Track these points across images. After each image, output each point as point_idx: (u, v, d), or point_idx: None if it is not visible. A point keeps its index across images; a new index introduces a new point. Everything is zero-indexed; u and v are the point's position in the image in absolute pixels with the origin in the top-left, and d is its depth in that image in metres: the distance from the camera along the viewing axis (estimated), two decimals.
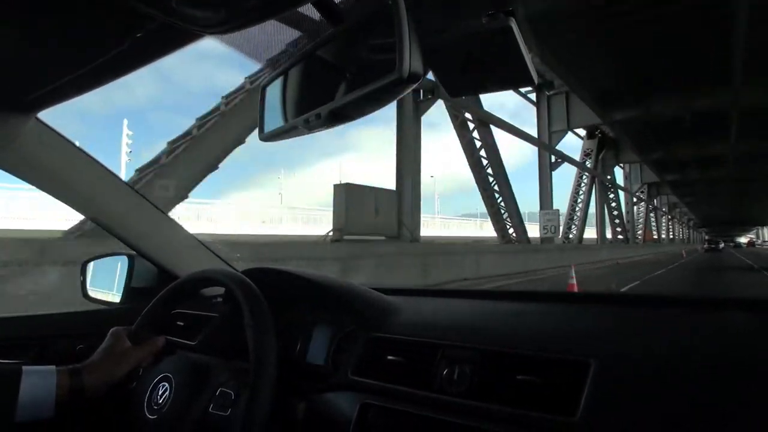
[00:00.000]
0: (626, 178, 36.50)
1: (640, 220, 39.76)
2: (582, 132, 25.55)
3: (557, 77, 17.68)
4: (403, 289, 1.22)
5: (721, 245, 50.15)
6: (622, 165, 33.37)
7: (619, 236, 30.06)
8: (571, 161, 24.77)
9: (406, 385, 0.83)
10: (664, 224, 55.82)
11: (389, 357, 0.88)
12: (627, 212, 33.12)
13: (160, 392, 0.97)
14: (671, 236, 62.20)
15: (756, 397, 0.59)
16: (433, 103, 12.11)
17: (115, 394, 1.02)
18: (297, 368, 1.02)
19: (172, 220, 1.32)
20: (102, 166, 1.18)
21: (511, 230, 15.65)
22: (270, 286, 1.01)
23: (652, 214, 45.60)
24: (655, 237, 47.52)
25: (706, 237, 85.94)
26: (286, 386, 0.92)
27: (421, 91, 11.93)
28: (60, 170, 1.11)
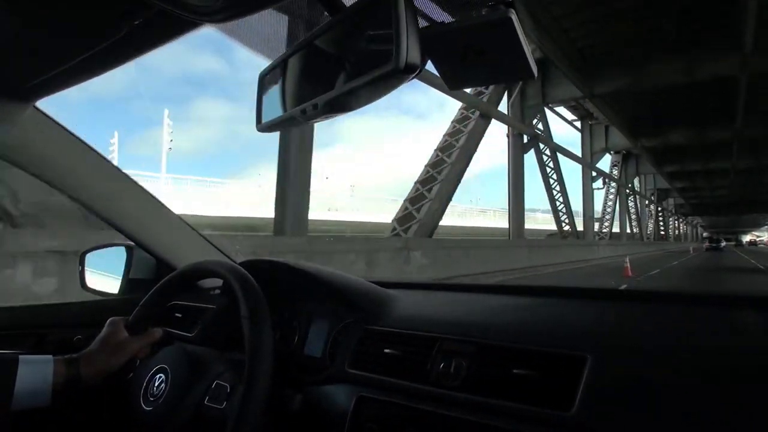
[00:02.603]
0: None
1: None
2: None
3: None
4: (400, 283, 1.22)
5: (723, 244, 49.95)
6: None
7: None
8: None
9: (402, 378, 0.83)
10: (671, 224, 61.33)
11: (386, 350, 0.89)
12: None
13: (156, 383, 0.97)
14: (677, 233, 68.88)
15: (748, 391, 0.59)
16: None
17: (112, 384, 1.02)
18: (294, 360, 1.02)
19: (170, 211, 1.32)
20: (100, 156, 1.17)
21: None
22: (268, 278, 1.01)
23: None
24: (663, 233, 52.44)
25: (705, 235, 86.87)
26: (282, 378, 0.92)
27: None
28: (58, 159, 1.11)
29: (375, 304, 1.01)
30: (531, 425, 0.67)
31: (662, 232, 48.35)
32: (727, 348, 0.68)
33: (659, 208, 47.83)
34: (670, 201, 54.43)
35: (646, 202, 41.61)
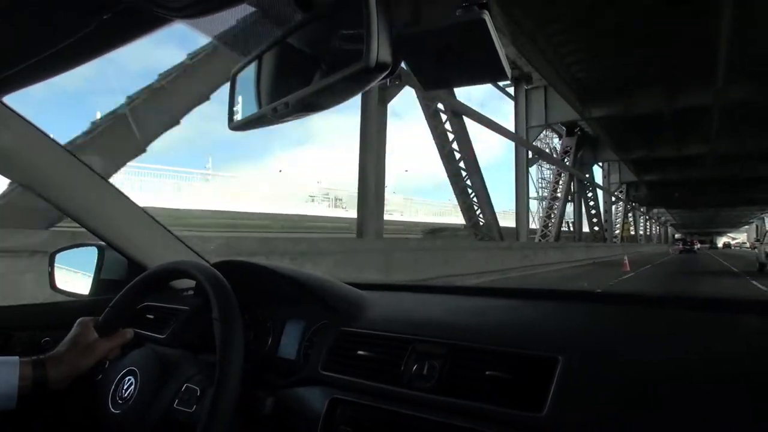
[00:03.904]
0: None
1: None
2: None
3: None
4: (375, 284, 1.22)
5: (697, 246, 50.42)
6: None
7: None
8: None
9: (375, 380, 0.82)
10: (641, 224, 55.96)
11: (359, 352, 0.88)
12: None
13: (125, 386, 0.95)
14: (648, 233, 63.09)
15: (720, 393, 0.60)
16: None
17: (80, 386, 1.00)
18: (267, 363, 1.01)
19: (142, 210, 1.29)
20: (70, 153, 1.15)
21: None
22: (242, 280, 1.00)
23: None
24: (632, 234, 48.01)
25: (677, 236, 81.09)
26: (255, 381, 0.91)
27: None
28: (26, 156, 1.08)
29: (350, 306, 1.00)
30: (502, 427, 0.68)
31: (617, 231, 39.46)
32: (698, 351, 0.69)
33: (627, 205, 42.38)
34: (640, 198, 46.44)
35: (612, 198, 36.28)
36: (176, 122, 7.74)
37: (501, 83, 19.57)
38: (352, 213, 14.32)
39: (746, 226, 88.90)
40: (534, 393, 0.68)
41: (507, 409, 0.68)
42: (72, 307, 1.33)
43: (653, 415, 0.60)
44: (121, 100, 7.49)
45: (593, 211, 30.19)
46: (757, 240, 19.44)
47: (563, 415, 0.64)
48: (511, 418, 0.68)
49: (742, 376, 0.61)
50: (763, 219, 67.66)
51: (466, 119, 14.52)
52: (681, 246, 47.91)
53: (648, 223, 62.69)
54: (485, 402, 0.70)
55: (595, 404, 0.64)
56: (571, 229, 28.25)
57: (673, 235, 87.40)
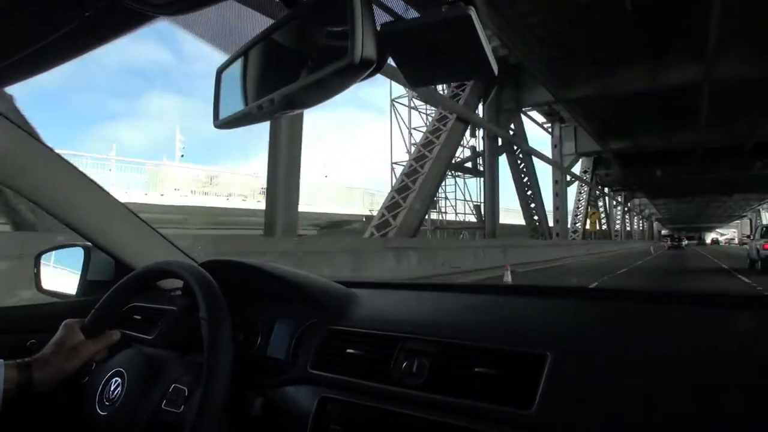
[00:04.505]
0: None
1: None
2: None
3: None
4: (364, 282, 1.22)
5: (684, 242, 50.43)
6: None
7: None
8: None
9: (364, 378, 0.82)
10: (618, 215, 44.59)
11: (349, 350, 0.88)
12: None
13: (112, 388, 0.94)
14: (629, 229, 53.00)
15: (708, 389, 0.60)
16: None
17: (66, 389, 0.99)
18: (257, 363, 1.00)
19: (128, 210, 1.28)
20: (53, 152, 1.13)
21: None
22: (230, 279, 0.99)
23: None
24: (605, 229, 37.15)
25: (664, 232, 78.44)
26: (243, 381, 0.91)
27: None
28: (9, 156, 1.06)
29: (339, 304, 1.00)
30: (492, 424, 0.68)
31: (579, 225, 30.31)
32: (688, 346, 0.69)
33: (594, 190, 32.26)
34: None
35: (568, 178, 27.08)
36: None
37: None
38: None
39: (738, 221, 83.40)
40: (523, 389, 0.68)
41: (496, 405, 0.68)
42: (58, 308, 1.32)
43: (642, 411, 0.60)
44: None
45: (529, 192, 21.62)
46: (748, 236, 18.63)
47: (552, 411, 0.65)
48: (500, 415, 0.68)
49: (730, 371, 0.61)
50: (759, 211, 60.60)
51: None
52: (669, 242, 47.67)
53: (628, 216, 52.18)
54: (475, 399, 0.70)
55: (584, 400, 0.64)
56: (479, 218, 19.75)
57: (659, 231, 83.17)
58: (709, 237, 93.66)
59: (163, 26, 0.62)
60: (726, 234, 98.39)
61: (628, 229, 53.45)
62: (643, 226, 69.08)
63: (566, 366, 0.68)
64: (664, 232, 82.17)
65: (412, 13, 0.54)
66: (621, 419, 0.61)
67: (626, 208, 48.88)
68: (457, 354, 0.77)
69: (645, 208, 63.79)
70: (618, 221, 45.05)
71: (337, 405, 0.82)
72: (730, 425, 0.56)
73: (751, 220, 58.45)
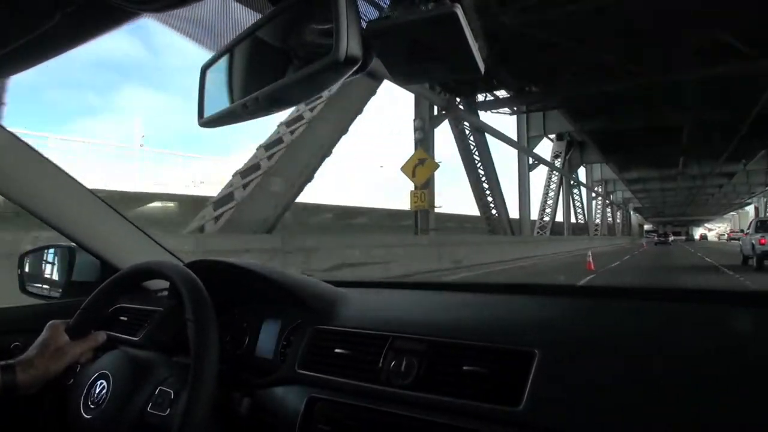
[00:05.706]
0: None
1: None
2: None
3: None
4: (352, 282, 1.21)
5: (671, 238, 50.01)
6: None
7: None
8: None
9: (353, 378, 0.82)
10: (580, 204, 36.47)
11: (336, 350, 0.87)
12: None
13: (97, 390, 0.93)
14: (600, 221, 43.33)
15: (697, 385, 0.60)
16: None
17: (51, 391, 0.97)
18: (244, 363, 1.00)
19: (113, 210, 1.26)
20: (36, 152, 1.12)
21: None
22: (217, 279, 0.98)
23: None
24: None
25: (647, 227, 70.26)
26: (231, 382, 0.90)
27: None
28: None
29: (326, 304, 0.99)
30: (480, 421, 0.68)
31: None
32: (677, 342, 0.69)
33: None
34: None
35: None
36: None
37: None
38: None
39: (732, 213, 74.66)
40: (512, 387, 0.68)
41: (485, 403, 0.68)
42: (43, 310, 1.30)
43: (630, 408, 0.60)
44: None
45: (484, 178, 17.27)
46: (741, 230, 17.92)
47: (540, 409, 0.65)
48: (489, 413, 0.68)
49: (723, 368, 0.61)
50: (751, 204, 53.16)
51: None
52: (656, 238, 46.46)
53: (595, 203, 42.35)
54: (463, 397, 0.70)
55: (572, 397, 0.64)
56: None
57: (641, 225, 72.86)
58: (698, 232, 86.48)
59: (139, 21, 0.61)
60: (714, 229, 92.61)
61: (610, 221, 48.01)
62: (622, 217, 57.59)
63: (554, 363, 0.68)
64: (647, 227, 72.14)
65: (399, 11, 0.53)
66: (609, 417, 0.61)
67: (594, 194, 41.21)
68: (446, 352, 0.77)
69: (618, 190, 49.80)
70: (579, 211, 36.87)
71: (325, 405, 0.82)
72: (719, 423, 0.56)
73: (757, 208, 47.71)
